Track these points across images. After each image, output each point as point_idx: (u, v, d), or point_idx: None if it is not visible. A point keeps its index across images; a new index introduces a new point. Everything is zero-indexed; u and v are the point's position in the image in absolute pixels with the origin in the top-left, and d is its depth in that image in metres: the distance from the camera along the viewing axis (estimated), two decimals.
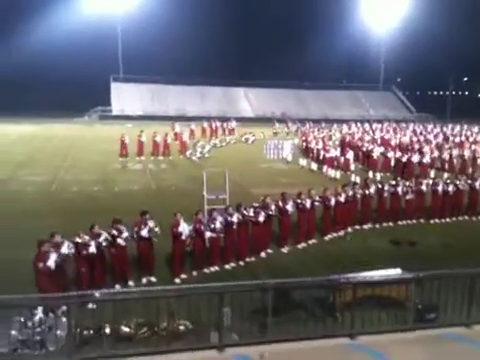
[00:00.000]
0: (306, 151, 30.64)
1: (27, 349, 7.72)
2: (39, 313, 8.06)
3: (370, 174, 24.26)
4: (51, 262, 9.25)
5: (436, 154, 27.23)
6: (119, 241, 10.98)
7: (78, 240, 10.26)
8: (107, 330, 8.06)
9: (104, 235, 10.71)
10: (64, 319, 7.76)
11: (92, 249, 10.29)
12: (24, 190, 19.94)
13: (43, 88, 54.28)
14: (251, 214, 13.14)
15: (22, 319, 7.90)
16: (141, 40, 57.97)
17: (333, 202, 15.25)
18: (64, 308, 7.80)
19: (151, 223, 11.49)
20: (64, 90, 54.69)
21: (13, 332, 7.80)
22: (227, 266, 12.49)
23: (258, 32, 62.84)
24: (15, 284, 9.57)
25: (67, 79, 55.84)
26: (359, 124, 43.45)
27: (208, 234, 12.10)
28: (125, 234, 11.09)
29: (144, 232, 11.36)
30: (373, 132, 38.35)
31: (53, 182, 21.71)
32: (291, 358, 7.28)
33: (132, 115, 52.43)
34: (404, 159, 24.90)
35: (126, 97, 56.92)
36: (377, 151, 27.01)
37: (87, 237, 10.42)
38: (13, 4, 54.10)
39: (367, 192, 16.70)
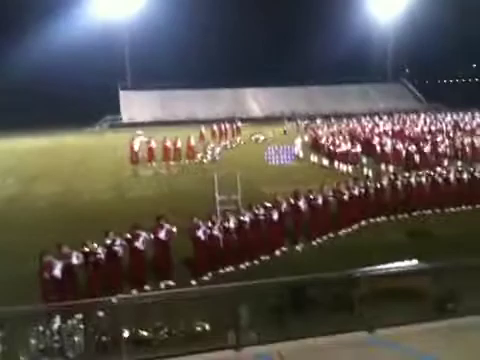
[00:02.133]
0: (316, 147, 30.53)
1: (47, 358, 7.77)
2: (57, 321, 8.13)
3: (382, 167, 24.09)
4: (57, 271, 9.30)
5: (448, 143, 26.98)
6: (137, 245, 11.02)
7: (86, 249, 10.31)
8: (125, 335, 8.09)
9: (119, 241, 10.77)
10: (82, 326, 7.81)
11: (101, 256, 10.31)
12: (36, 204, 20.11)
13: (52, 99, 54.69)
14: (264, 213, 13.13)
15: (41, 328, 7.97)
16: (147, 46, 58.13)
17: (346, 196, 15.18)
18: (80, 315, 7.87)
19: (168, 225, 11.57)
20: (73, 100, 55.07)
21: (32, 341, 7.87)
22: (242, 266, 12.48)
23: (262, 31, 62.65)
24: (29, 298, 9.55)
25: (75, 89, 56.15)
26: (369, 117, 43.17)
27: (217, 231, 12.04)
28: (142, 238, 11.14)
29: (162, 235, 11.43)
30: (383, 125, 38.07)
31: (66, 193, 21.89)
32: (309, 354, 7.23)
33: (142, 122, 52.65)
34: (414, 150, 24.65)
35: (135, 104, 57.23)
36: (388, 143, 26.77)
37: (96, 245, 10.46)
38: (16, 11, 53.73)
39: (380, 184, 16.61)
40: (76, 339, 7.98)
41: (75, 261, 9.85)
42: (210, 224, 12.13)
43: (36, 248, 10.29)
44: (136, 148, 28.19)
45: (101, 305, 8.55)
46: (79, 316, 8.03)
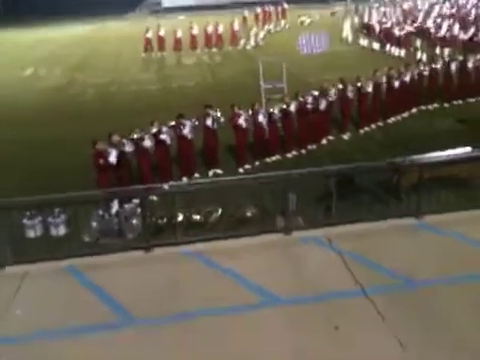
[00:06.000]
0: (367, 30, 28.77)
1: (108, 238, 8.40)
2: (115, 205, 8.64)
3: (437, 50, 22.65)
4: (113, 158, 9.62)
5: None
6: (184, 132, 11.17)
7: (135, 136, 10.52)
8: (179, 218, 8.56)
9: (165, 129, 10.93)
10: (138, 210, 8.27)
11: (148, 142, 10.53)
12: (83, 92, 20.40)
13: None
14: (311, 102, 12.85)
15: (100, 212, 8.51)
16: None
17: (397, 83, 14.54)
18: (137, 200, 8.31)
19: (214, 113, 11.57)
20: None
21: (94, 224, 8.46)
22: (289, 155, 12.56)
23: None
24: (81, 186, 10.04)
25: None
26: None
27: (262, 119, 11.93)
28: (189, 126, 11.25)
29: (208, 122, 11.51)
30: (440, 5, 35.02)
31: (110, 83, 22.00)
32: (357, 238, 7.45)
33: (183, 6, 50.62)
34: (473, 32, 22.85)
35: None
36: (444, 25, 24.82)
37: (144, 134, 10.66)
38: None
39: (433, 69, 15.75)
40: (133, 222, 8.52)
41: (128, 149, 10.14)
42: (253, 113, 12.01)
43: (87, 138, 10.63)
44: (179, 35, 27.49)
45: (154, 191, 8.98)
46: (136, 201, 8.50)
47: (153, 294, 6.63)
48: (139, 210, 8.16)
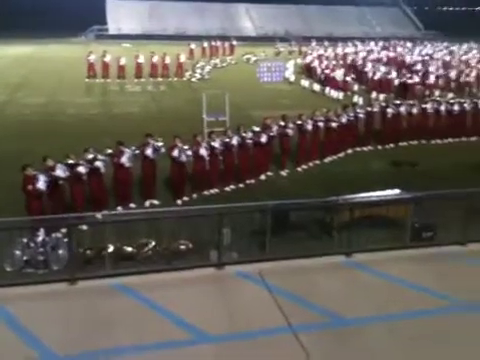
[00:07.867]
0: (309, 71, 29.84)
1: (31, 268, 7.95)
2: (42, 234, 8.23)
3: (373, 95, 23.80)
4: (41, 184, 9.22)
5: (441, 72, 26.59)
6: (122, 161, 10.92)
7: (71, 161, 10.18)
8: (110, 250, 8.25)
9: (100, 156, 10.66)
10: (66, 240, 7.91)
11: (82, 169, 10.21)
12: (21, 113, 19.69)
13: (36, 7, 51.94)
14: (252, 136, 13.01)
15: (25, 240, 8.07)
16: None
17: (335, 124, 15.06)
18: (65, 229, 7.95)
19: (156, 143, 11.42)
20: (58, 9, 52.36)
21: (17, 252, 8.00)
22: (227, 188, 12.57)
23: None
24: (16, 206, 9.62)
25: None
26: (364, 42, 41.95)
27: (204, 152, 11.91)
28: (127, 155, 11.02)
29: (148, 151, 11.33)
30: (378, 51, 37.11)
31: (50, 104, 21.39)
32: (289, 275, 7.48)
33: (130, 34, 50.60)
34: (406, 79, 24.30)
35: (123, 15, 54.60)
36: (380, 71, 26.22)
37: (80, 160, 10.36)
38: None
39: (368, 113, 16.47)
40: (60, 252, 8.13)
41: (62, 174, 9.76)
42: (194, 144, 11.98)
43: (22, 159, 10.20)
44: (122, 62, 27.30)
45: (86, 220, 8.65)
46: (63, 230, 8.14)
47: (76, 329, 6.28)
48: (66, 240, 7.80)
